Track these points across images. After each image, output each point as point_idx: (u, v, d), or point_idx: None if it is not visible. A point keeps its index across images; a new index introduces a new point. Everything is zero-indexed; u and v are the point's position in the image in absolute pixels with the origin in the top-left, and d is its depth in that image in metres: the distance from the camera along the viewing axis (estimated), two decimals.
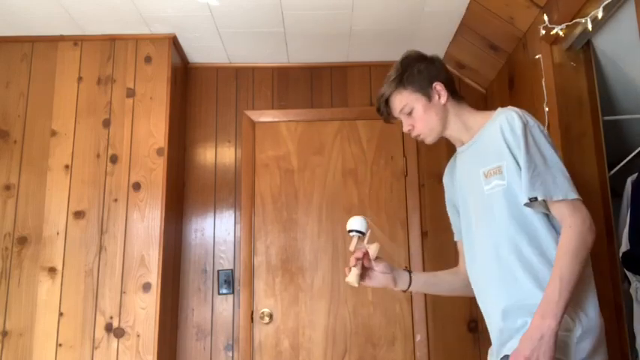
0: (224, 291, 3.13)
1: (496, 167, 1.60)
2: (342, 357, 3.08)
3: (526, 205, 1.52)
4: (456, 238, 1.91)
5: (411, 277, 1.84)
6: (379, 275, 1.83)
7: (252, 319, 3.11)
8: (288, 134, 3.34)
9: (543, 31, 2.35)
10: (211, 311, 3.12)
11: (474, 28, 2.94)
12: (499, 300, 1.59)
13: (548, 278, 1.47)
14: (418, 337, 3.09)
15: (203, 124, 3.36)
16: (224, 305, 3.13)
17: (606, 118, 2.41)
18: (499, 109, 1.69)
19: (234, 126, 3.35)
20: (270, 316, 3.12)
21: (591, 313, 1.51)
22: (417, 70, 1.75)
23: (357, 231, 1.80)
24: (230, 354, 3.07)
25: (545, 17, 2.32)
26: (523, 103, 2.74)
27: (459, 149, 1.80)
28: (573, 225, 1.47)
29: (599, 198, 2.26)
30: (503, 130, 1.59)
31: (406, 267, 1.91)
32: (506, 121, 1.59)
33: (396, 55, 3.47)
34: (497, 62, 3.06)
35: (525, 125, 1.57)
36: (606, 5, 1.99)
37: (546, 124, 2.41)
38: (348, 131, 3.34)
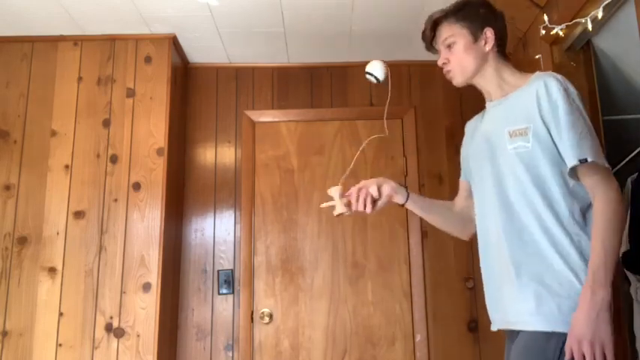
0: (224, 291, 3.13)
1: (523, 128, 1.57)
2: (342, 357, 3.09)
3: (572, 168, 1.48)
4: (461, 179, 1.91)
5: (408, 194, 1.84)
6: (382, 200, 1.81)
7: (252, 319, 3.11)
8: (288, 134, 3.34)
9: (543, 31, 2.34)
10: (211, 311, 3.12)
11: None
12: (512, 254, 1.56)
13: (564, 244, 1.47)
14: (418, 337, 3.09)
15: (203, 124, 3.36)
16: (224, 305, 3.13)
17: (606, 117, 2.41)
18: (538, 73, 1.66)
19: (234, 126, 3.35)
20: (270, 316, 3.12)
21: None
22: (475, 11, 1.72)
23: (375, 76, 1.84)
24: (230, 354, 3.07)
25: (545, 17, 2.32)
26: None
27: (488, 104, 1.77)
28: (610, 196, 1.44)
29: None
30: (538, 95, 1.55)
31: (403, 184, 1.91)
32: (544, 85, 1.55)
33: (396, 56, 3.50)
34: None
35: (566, 91, 1.54)
36: (606, 5, 1.99)
37: None
38: (348, 131, 3.34)
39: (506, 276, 1.58)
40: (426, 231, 3.20)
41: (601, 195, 1.45)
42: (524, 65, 2.69)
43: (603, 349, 1.36)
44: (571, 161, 1.47)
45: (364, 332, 3.11)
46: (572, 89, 1.56)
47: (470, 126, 1.90)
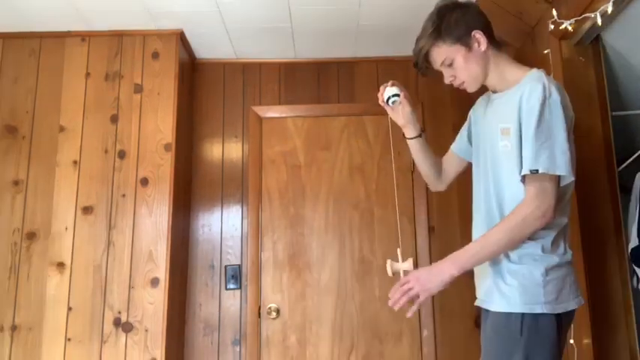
0: (231, 286, 3.14)
1: (508, 128, 1.64)
2: (349, 352, 3.09)
3: (524, 175, 1.56)
4: (454, 150, 2.04)
5: (420, 135, 1.98)
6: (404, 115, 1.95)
7: (259, 314, 3.12)
8: (295, 130, 3.34)
9: (552, 26, 2.33)
10: (219, 306, 3.13)
11: None
12: None
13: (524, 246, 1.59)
14: (425, 333, 3.09)
15: (210, 119, 3.36)
16: (231, 300, 3.14)
17: (615, 113, 2.39)
18: (533, 71, 1.69)
19: (242, 121, 3.36)
20: (278, 311, 3.13)
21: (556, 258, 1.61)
22: (454, 20, 1.72)
23: (395, 95, 1.91)
24: (237, 349, 3.08)
25: (554, 12, 2.30)
26: None
27: (493, 95, 1.81)
28: (531, 207, 1.54)
29: (608, 194, 2.26)
30: (521, 99, 1.61)
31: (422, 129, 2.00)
32: (529, 90, 1.60)
33: (403, 51, 3.49)
34: None
35: (545, 99, 1.57)
36: (616, 0, 1.97)
37: None
38: (355, 127, 3.33)
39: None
40: (433, 226, 3.20)
41: (524, 200, 1.56)
42: (533, 60, 2.68)
43: (419, 292, 1.63)
44: (524, 169, 1.56)
45: (371, 328, 3.11)
46: (556, 97, 1.58)
47: (480, 105, 1.94)
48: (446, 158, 2.06)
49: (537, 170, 1.52)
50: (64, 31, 3.05)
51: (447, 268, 1.62)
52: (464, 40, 1.71)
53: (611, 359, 2.14)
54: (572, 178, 1.58)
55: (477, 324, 3.11)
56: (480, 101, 1.94)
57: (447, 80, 1.80)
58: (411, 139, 1.98)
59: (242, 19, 2.95)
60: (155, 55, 3.05)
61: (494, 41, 1.77)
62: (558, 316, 1.57)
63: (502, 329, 1.61)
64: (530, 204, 1.54)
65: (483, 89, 1.84)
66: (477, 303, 1.79)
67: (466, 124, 2.00)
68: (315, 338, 3.10)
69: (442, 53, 1.74)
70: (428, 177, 2.07)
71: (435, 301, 3.12)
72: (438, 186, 2.09)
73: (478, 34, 1.72)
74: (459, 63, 1.73)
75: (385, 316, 3.12)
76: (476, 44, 1.72)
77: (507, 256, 1.62)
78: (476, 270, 1.77)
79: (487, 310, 1.70)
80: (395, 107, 1.93)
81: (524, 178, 1.57)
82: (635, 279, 2.33)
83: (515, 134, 1.61)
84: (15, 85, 3.01)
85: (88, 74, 3.03)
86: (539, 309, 1.55)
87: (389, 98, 1.91)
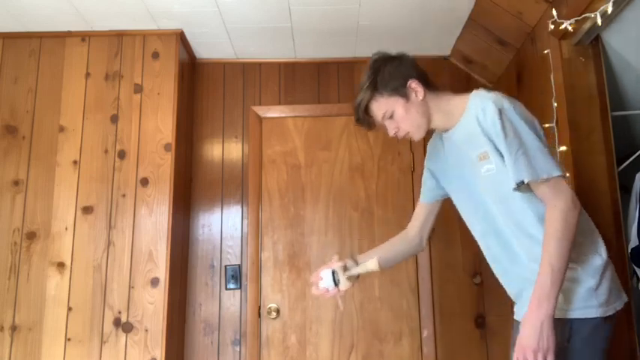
0: (231, 286, 3.14)
1: (484, 152, 1.64)
2: (349, 352, 3.09)
3: (515, 189, 1.55)
4: (421, 200, 2.01)
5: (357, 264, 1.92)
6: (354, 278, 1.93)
7: (259, 314, 3.12)
8: (295, 130, 3.34)
9: (552, 26, 2.33)
10: (219, 306, 3.13)
11: (482, 23, 2.93)
12: (505, 263, 1.71)
13: (536, 252, 1.53)
14: (425, 333, 3.09)
15: (210, 119, 3.36)
16: (231, 300, 3.14)
17: (615, 113, 2.39)
18: (474, 92, 1.70)
19: (242, 121, 3.36)
20: (278, 311, 3.13)
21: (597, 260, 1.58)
22: (389, 73, 1.74)
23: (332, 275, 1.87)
24: (237, 349, 3.08)
25: (554, 12, 2.30)
26: (531, 98, 2.73)
27: (444, 134, 1.82)
28: (558, 205, 1.50)
29: (608, 194, 2.26)
30: (478, 119, 1.62)
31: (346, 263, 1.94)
32: (481, 109, 1.61)
33: (403, 50, 3.48)
34: (505, 57, 3.04)
35: (500, 111, 1.58)
36: (616, 0, 1.97)
37: (555, 119, 2.40)
38: (355, 127, 3.27)
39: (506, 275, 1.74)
40: (433, 227, 3.19)
41: (549, 208, 1.52)
42: (533, 60, 2.68)
43: (545, 356, 1.45)
44: (511, 184, 1.55)
45: (371, 328, 3.11)
46: (507, 105, 1.59)
47: (432, 146, 1.95)
48: (417, 218, 2.02)
49: (522, 181, 1.52)
50: (64, 31, 3.05)
51: (542, 315, 1.45)
52: (401, 91, 1.72)
53: (611, 359, 2.14)
54: (560, 173, 1.54)
55: (477, 324, 3.12)
56: (433, 145, 1.94)
57: (390, 133, 1.79)
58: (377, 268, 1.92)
59: (242, 19, 2.95)
60: (155, 55, 3.05)
61: (430, 87, 1.77)
62: (609, 318, 1.55)
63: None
64: (556, 204, 1.50)
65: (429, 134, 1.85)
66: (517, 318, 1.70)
67: (427, 174, 1.99)
68: (315, 338, 3.10)
69: (381, 106, 1.74)
70: (407, 257, 2.08)
71: (435, 301, 3.12)
72: (419, 249, 2.06)
73: (414, 84, 1.72)
74: (399, 114, 1.73)
75: (385, 316, 3.12)
76: (413, 94, 1.73)
77: (527, 255, 1.61)
78: (509, 285, 1.75)
79: (517, 321, 1.65)
80: (349, 283, 1.87)
81: (527, 186, 1.56)
82: (635, 279, 2.33)
83: (494, 154, 1.60)
84: (15, 85, 3.01)
85: (88, 74, 3.03)
86: (592, 313, 1.52)
87: (335, 282, 1.86)
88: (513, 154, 1.53)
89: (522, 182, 1.52)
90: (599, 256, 1.58)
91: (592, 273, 1.55)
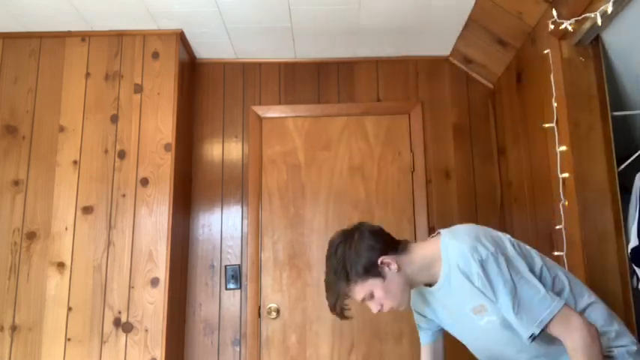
0: (231, 286, 3.14)
1: (480, 305, 1.61)
2: (349, 352, 3.09)
3: (531, 341, 1.53)
4: (423, 342, 2.01)
5: None
6: None
7: (259, 314, 3.12)
8: (295, 130, 3.34)
9: (552, 26, 2.33)
10: (219, 306, 3.13)
11: (482, 23, 2.93)
12: None
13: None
14: None
15: (210, 119, 3.36)
16: (231, 300, 3.14)
17: (615, 113, 2.39)
18: (443, 239, 1.66)
19: (242, 121, 3.36)
20: (278, 311, 3.13)
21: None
22: (355, 255, 1.66)
23: None
24: (237, 349, 3.08)
25: (554, 12, 2.31)
26: (531, 98, 2.73)
27: (427, 289, 1.76)
28: (577, 345, 1.47)
29: (608, 194, 2.26)
30: (465, 274, 1.58)
31: None
32: (463, 264, 1.58)
33: (403, 51, 3.49)
34: (505, 57, 3.04)
35: (482, 265, 1.55)
36: (616, 0, 1.97)
37: (555, 119, 2.40)
38: (355, 127, 3.33)
39: None
40: (434, 226, 3.20)
41: (568, 343, 1.49)
42: (533, 60, 2.68)
43: None
44: (526, 340, 1.53)
45: (371, 328, 3.11)
46: (485, 254, 1.56)
47: (417, 297, 1.92)
48: (427, 354, 2.01)
49: (533, 334, 1.50)
50: (64, 31, 3.05)
51: None
52: (374, 272, 1.65)
53: None
54: (559, 303, 1.53)
55: None
56: (417, 293, 1.90)
57: (374, 310, 1.72)
58: None
59: (242, 19, 2.95)
60: (155, 55, 3.05)
61: (399, 249, 1.71)
62: None
63: None
64: (575, 346, 1.47)
65: None
66: None
67: (417, 316, 2.00)
68: (315, 338, 3.10)
69: (359, 293, 1.67)
70: None
71: None
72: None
73: (385, 259, 1.66)
74: (379, 295, 1.67)
75: (385, 316, 3.12)
76: (386, 269, 1.66)
77: None
78: None
79: None
80: None
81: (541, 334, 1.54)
82: (635, 279, 2.33)
83: (493, 307, 1.58)
84: (15, 85, 3.01)
85: (88, 74, 3.03)
86: None
87: None
88: (513, 310, 1.52)
89: (533, 336, 1.51)
90: (630, 339, 1.59)
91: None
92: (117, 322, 2.75)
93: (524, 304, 1.51)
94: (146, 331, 2.75)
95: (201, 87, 3.40)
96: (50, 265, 2.80)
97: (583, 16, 2.15)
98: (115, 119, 2.97)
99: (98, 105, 2.99)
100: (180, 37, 3.08)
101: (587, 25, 2.19)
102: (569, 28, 2.23)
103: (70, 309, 2.76)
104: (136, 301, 2.78)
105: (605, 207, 2.24)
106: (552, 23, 2.32)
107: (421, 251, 1.72)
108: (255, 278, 3.15)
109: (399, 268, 1.66)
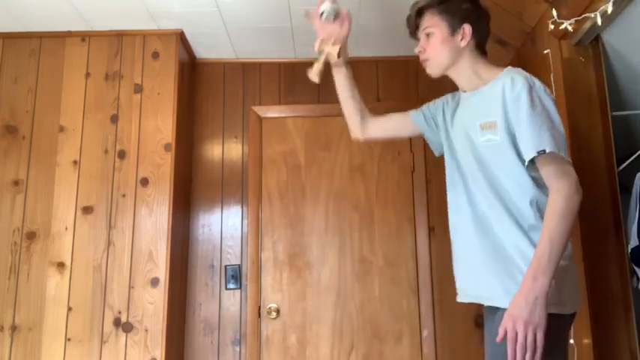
0: (231, 286, 3.14)
1: (492, 122, 1.62)
2: (349, 352, 3.09)
3: (531, 160, 1.53)
4: (412, 115, 2.04)
5: (346, 67, 2.04)
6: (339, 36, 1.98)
7: (259, 314, 3.12)
8: (295, 130, 3.34)
9: (552, 26, 2.33)
10: (219, 306, 3.13)
11: None
12: (481, 244, 1.65)
13: (521, 242, 1.54)
14: (425, 333, 3.09)
15: (210, 119, 3.36)
16: (231, 300, 3.14)
17: (615, 113, 2.39)
18: (509, 68, 1.69)
19: (242, 121, 3.36)
20: (278, 311, 3.13)
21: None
22: (459, 5, 1.74)
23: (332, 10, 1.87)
24: (237, 349, 3.08)
25: (554, 12, 2.30)
26: None
27: (462, 95, 1.82)
28: (562, 188, 1.48)
29: (608, 194, 2.26)
30: (504, 89, 1.60)
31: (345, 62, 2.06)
32: (511, 81, 1.60)
33: (403, 51, 3.49)
34: (505, 57, 3.04)
35: (531, 87, 1.58)
36: (616, 0, 1.97)
37: None
38: None
39: (475, 258, 1.68)
40: (434, 226, 3.20)
41: (555, 185, 1.50)
42: (533, 60, 2.68)
43: (535, 331, 1.41)
44: (529, 153, 1.52)
45: (371, 328, 3.11)
46: (538, 85, 1.60)
47: (449, 102, 1.93)
48: (392, 116, 2.08)
49: (544, 150, 1.49)
50: (64, 31, 3.05)
51: (537, 290, 1.41)
52: (453, 24, 1.73)
53: (611, 359, 2.14)
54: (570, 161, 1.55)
55: (477, 324, 3.11)
56: (449, 98, 1.94)
57: (417, 49, 1.81)
58: (339, 66, 2.00)
59: (242, 19, 2.95)
60: (155, 55, 3.05)
61: (479, 47, 1.77)
62: (570, 315, 1.55)
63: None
64: (560, 187, 1.49)
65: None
66: (479, 301, 1.68)
67: (437, 106, 1.98)
68: (315, 338, 3.10)
69: (430, 20, 1.76)
70: (351, 117, 2.09)
71: (435, 301, 3.12)
72: (357, 132, 2.10)
73: (468, 29, 1.73)
74: (435, 40, 1.75)
75: (385, 316, 3.12)
76: (460, 36, 1.73)
77: (521, 256, 1.55)
78: (463, 265, 1.74)
79: (494, 309, 1.60)
80: (327, 23, 1.92)
81: (532, 164, 1.54)
82: (635, 279, 2.33)
83: (502, 126, 1.59)
84: (15, 85, 3.01)
85: (88, 74, 3.03)
86: (557, 309, 1.49)
87: (322, 12, 1.89)
88: (538, 126, 1.52)
89: (543, 151, 1.49)
90: (566, 253, 1.57)
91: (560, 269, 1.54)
92: (117, 322, 2.76)
93: (551, 129, 1.52)
94: (146, 331, 2.75)
95: (201, 87, 3.40)
96: (50, 265, 2.80)
97: (583, 16, 2.15)
98: (115, 119, 2.97)
99: (98, 105, 2.99)
100: (180, 37, 3.08)
101: (587, 25, 2.19)
102: (569, 28, 2.23)
103: (70, 309, 2.76)
104: (136, 301, 2.78)
105: (605, 207, 2.24)
106: (552, 23, 2.32)
107: (487, 65, 1.77)
108: (255, 278, 3.15)
109: (465, 47, 1.73)
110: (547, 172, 1.53)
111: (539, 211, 1.56)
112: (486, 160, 1.64)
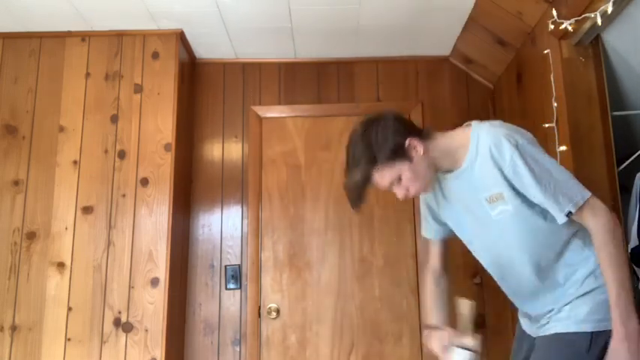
0: (231, 286, 3.14)
1: (497, 193, 1.60)
2: (349, 352, 3.09)
3: (564, 222, 1.54)
4: (431, 237, 1.94)
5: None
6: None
7: (259, 314, 3.12)
8: (295, 130, 3.34)
9: (552, 26, 2.33)
10: (219, 306, 3.13)
11: (482, 23, 2.93)
12: (541, 299, 1.70)
13: (567, 272, 1.61)
14: (425, 333, 3.09)
15: (210, 119, 3.36)
16: (231, 300, 3.14)
17: (615, 113, 2.39)
18: (474, 127, 1.65)
19: (241, 121, 3.36)
20: (278, 311, 3.13)
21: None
22: (382, 139, 1.62)
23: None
24: (237, 349, 3.08)
25: (554, 12, 2.30)
26: (531, 98, 2.73)
27: (444, 175, 1.74)
28: (602, 228, 1.51)
29: (608, 194, 2.25)
30: (495, 159, 1.57)
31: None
32: (495, 148, 1.56)
33: (403, 51, 3.49)
34: (505, 57, 3.04)
35: (516, 147, 1.55)
36: (616, 0, 1.97)
37: (555, 119, 2.40)
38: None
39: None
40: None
41: (593, 226, 1.53)
42: (533, 60, 2.68)
43: None
44: (561, 219, 1.54)
45: (371, 328, 3.11)
46: (521, 139, 1.57)
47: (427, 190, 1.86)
48: (435, 254, 1.98)
49: (570, 212, 1.52)
50: (64, 31, 3.05)
51: (630, 330, 1.45)
52: (402, 154, 1.62)
53: None
54: (589, 192, 1.56)
55: (477, 324, 3.10)
56: (427, 190, 1.86)
57: (400, 196, 1.69)
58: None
59: (242, 19, 2.95)
60: (155, 55, 3.05)
61: (423, 134, 1.68)
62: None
63: (564, 349, 1.58)
64: (599, 222, 1.52)
65: None
66: (532, 334, 1.75)
67: (426, 210, 1.92)
68: (315, 338, 3.10)
69: (386, 176, 1.63)
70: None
71: None
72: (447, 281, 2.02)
73: (411, 142, 1.62)
74: (407, 177, 1.64)
75: (385, 316, 3.12)
76: (413, 152, 1.63)
77: (564, 280, 1.63)
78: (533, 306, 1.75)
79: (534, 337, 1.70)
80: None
81: (570, 219, 1.55)
82: (635, 279, 2.33)
83: (510, 195, 1.58)
84: (15, 85, 3.01)
85: (88, 74, 3.03)
86: (607, 326, 1.51)
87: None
88: (550, 189, 1.52)
89: (570, 213, 1.51)
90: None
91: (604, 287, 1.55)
92: (117, 322, 2.75)
93: (560, 185, 1.53)
94: (146, 331, 2.75)
95: (201, 87, 3.40)
96: (50, 265, 2.80)
97: (583, 16, 2.15)
98: (115, 119, 2.97)
99: (98, 105, 2.99)
100: (180, 37, 3.08)
101: (587, 25, 2.19)
102: (569, 28, 2.23)
103: (70, 309, 2.76)
104: (136, 301, 2.78)
105: None
106: (552, 23, 2.32)
107: (445, 139, 1.71)
108: (255, 278, 3.15)
109: (425, 151, 1.65)
110: (582, 217, 1.55)
111: (581, 238, 1.62)
112: (510, 228, 1.64)
